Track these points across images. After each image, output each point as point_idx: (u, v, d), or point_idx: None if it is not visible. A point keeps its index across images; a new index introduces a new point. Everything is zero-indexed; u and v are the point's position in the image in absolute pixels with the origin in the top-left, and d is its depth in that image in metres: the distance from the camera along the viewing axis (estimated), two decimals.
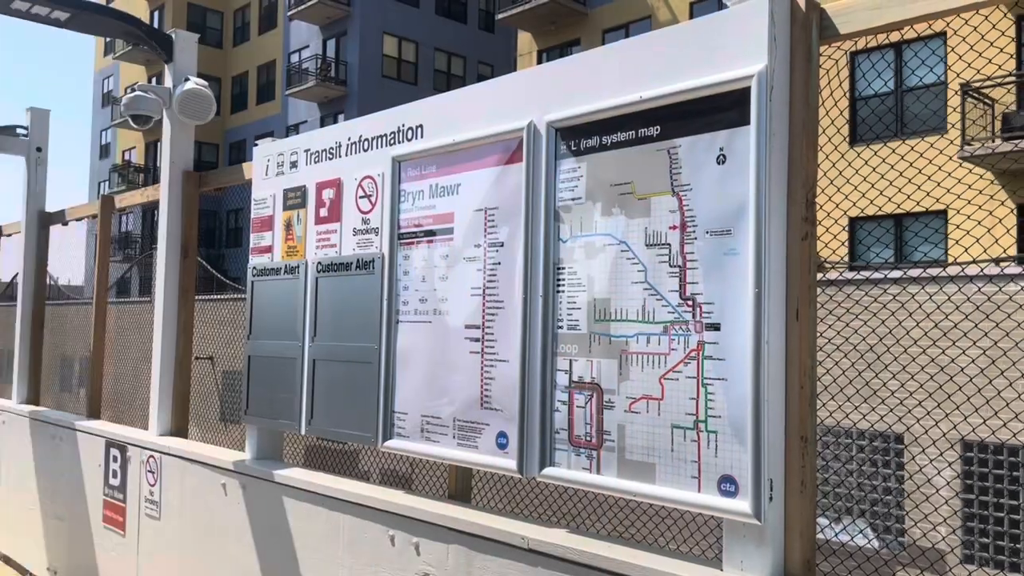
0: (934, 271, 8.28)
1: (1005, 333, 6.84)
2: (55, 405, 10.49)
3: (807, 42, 2.23)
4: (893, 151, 7.78)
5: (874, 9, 2.19)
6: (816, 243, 2.23)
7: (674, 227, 2.32)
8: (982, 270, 7.91)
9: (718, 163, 2.24)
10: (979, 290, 7.29)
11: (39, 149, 6.69)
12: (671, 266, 2.32)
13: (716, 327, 2.21)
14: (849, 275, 9.00)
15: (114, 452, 4.94)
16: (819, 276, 2.28)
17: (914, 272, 8.59)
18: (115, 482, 4.90)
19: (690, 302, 2.27)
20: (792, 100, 2.22)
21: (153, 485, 4.52)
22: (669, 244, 2.33)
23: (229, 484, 3.94)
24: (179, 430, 4.79)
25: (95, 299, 5.93)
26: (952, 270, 8.16)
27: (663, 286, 2.34)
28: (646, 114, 2.41)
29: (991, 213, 11.86)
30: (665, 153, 2.36)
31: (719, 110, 2.25)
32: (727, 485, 2.17)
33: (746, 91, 2.18)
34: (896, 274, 8.68)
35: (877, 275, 8.75)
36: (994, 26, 5.95)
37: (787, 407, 2.17)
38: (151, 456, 4.55)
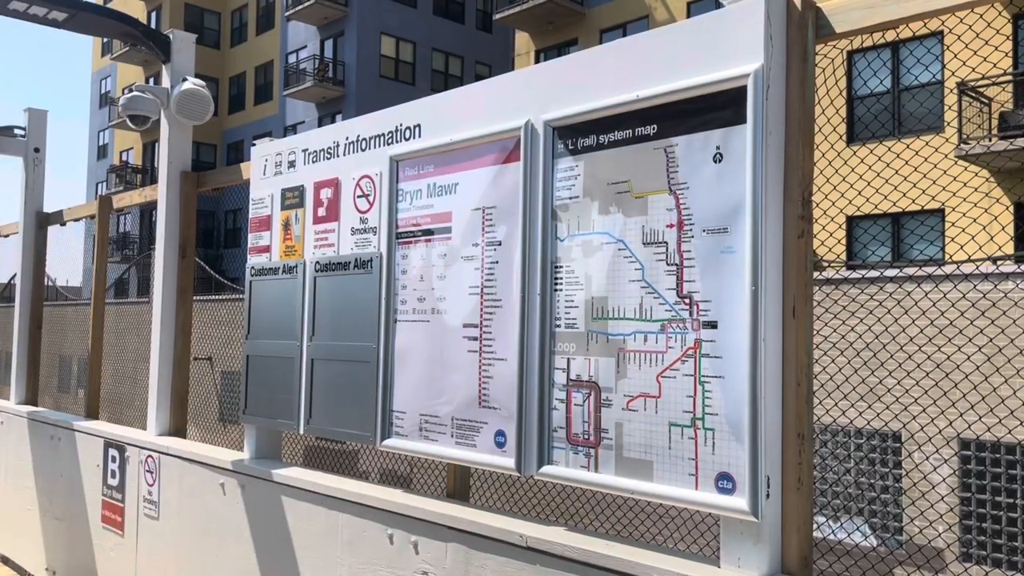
0: (930, 269, 8.30)
1: (1001, 330, 6.86)
2: (53, 406, 10.49)
3: (803, 41, 2.24)
4: (890, 150, 7.80)
5: (869, 8, 2.20)
6: (812, 241, 2.24)
7: (671, 225, 2.33)
8: (977, 267, 7.93)
9: (715, 162, 2.25)
10: (975, 287, 7.31)
11: (37, 150, 6.69)
12: (668, 264, 2.33)
13: (713, 325, 2.22)
14: (845, 273, 9.02)
15: (112, 452, 4.94)
16: (816, 275, 2.29)
17: (910, 270, 8.61)
18: (114, 482, 4.91)
19: (687, 300, 2.28)
20: (788, 99, 2.23)
21: (152, 485, 4.53)
22: (666, 242, 2.34)
23: (228, 484, 3.95)
24: (177, 430, 4.79)
25: (93, 299, 5.93)
26: (949, 269, 8.17)
27: (660, 284, 2.35)
28: (643, 113, 2.42)
29: (986, 210, 11.88)
30: (662, 152, 2.37)
31: (715, 109, 2.26)
32: (724, 482, 2.18)
33: (742, 90, 2.19)
34: (892, 272, 8.70)
35: (873, 273, 8.76)
36: (989, 24, 5.96)
37: (784, 404, 2.18)
38: (149, 456, 4.56)
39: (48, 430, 5.83)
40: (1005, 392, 7.00)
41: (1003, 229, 12.51)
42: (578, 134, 2.59)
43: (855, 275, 8.67)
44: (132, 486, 4.72)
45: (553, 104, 2.67)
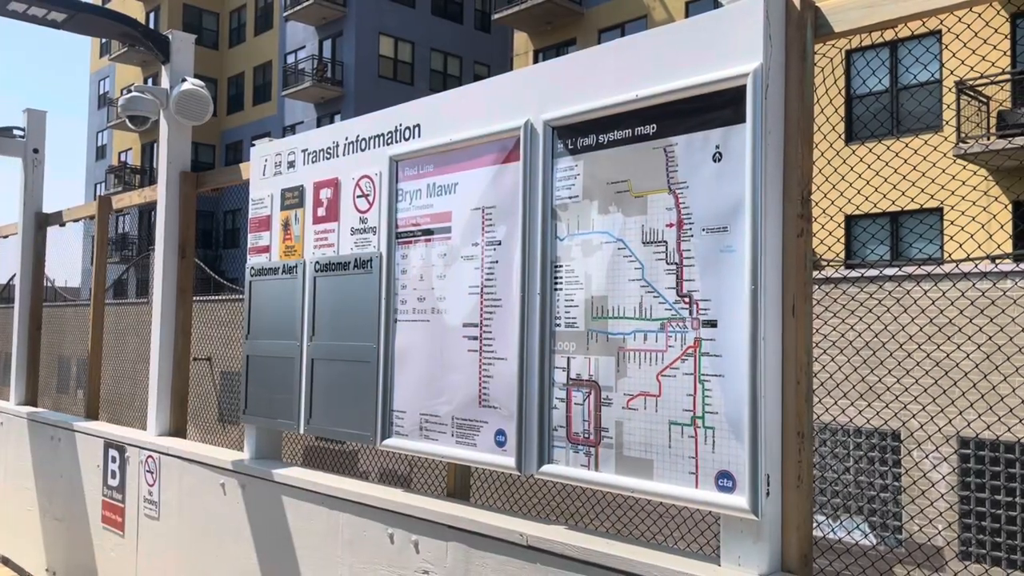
0: (929, 267, 8.31)
1: (1000, 328, 6.87)
2: (53, 406, 10.49)
3: (802, 40, 2.24)
4: (888, 149, 7.80)
5: (867, 7, 2.21)
6: (812, 239, 2.25)
7: (671, 224, 2.34)
8: (976, 265, 7.94)
9: (714, 161, 2.26)
10: (974, 285, 7.32)
11: (36, 150, 6.69)
12: (668, 263, 2.34)
13: (713, 324, 2.23)
14: (843, 272, 9.03)
15: (112, 452, 4.94)
16: (815, 274, 2.30)
17: (909, 269, 8.62)
18: (114, 482, 4.91)
19: (687, 299, 2.29)
20: (787, 98, 2.24)
21: (152, 485, 4.53)
22: (666, 241, 2.35)
23: (228, 484, 3.95)
24: (177, 430, 4.79)
25: (92, 300, 5.93)
26: (948, 267, 8.18)
27: (660, 283, 2.35)
28: (642, 112, 2.43)
29: (985, 209, 11.90)
30: (661, 151, 2.38)
31: (715, 108, 2.26)
32: (724, 481, 2.19)
33: (741, 89, 2.20)
34: (891, 271, 8.70)
35: (872, 272, 8.77)
36: (987, 23, 5.97)
37: (784, 403, 2.19)
38: (150, 456, 4.56)
39: (48, 431, 5.83)
40: (1004, 390, 7.01)
41: (1002, 228, 12.52)
42: (577, 134, 2.60)
43: (854, 274, 8.68)
44: (132, 486, 4.72)
45: (552, 104, 2.67)
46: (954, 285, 7.28)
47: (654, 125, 2.40)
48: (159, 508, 4.46)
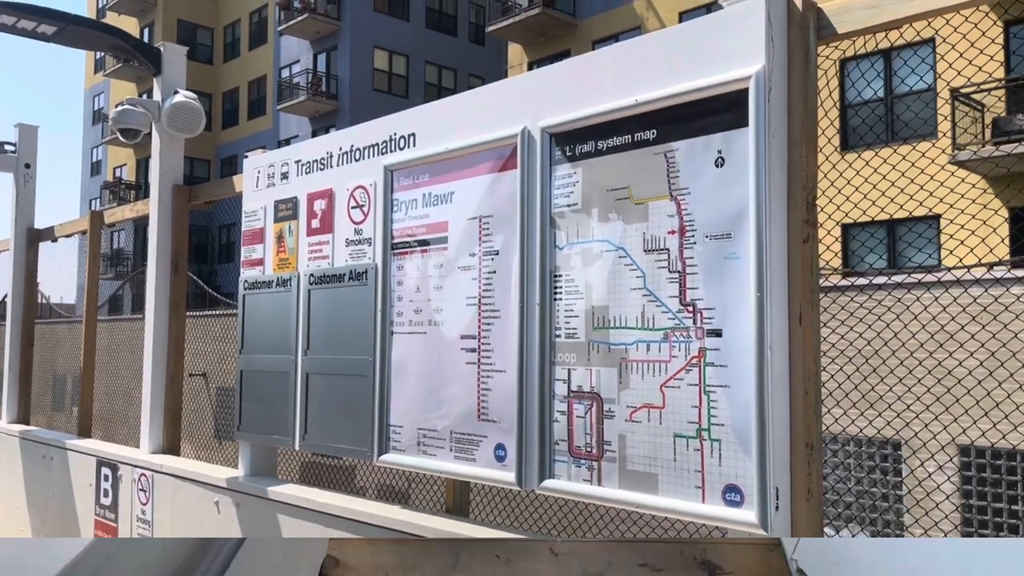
0: (923, 275, 8.26)
1: (993, 335, 6.81)
2: (47, 424, 10.38)
3: (804, 42, 2.20)
4: (877, 153, 7.78)
5: (871, 8, 2.17)
6: (818, 246, 2.19)
7: (673, 232, 2.28)
8: (990, 270, 7.90)
9: (716, 166, 2.20)
10: (986, 291, 7.28)
11: (27, 165, 6.63)
12: (670, 271, 2.28)
13: (717, 333, 2.17)
14: (837, 278, 8.99)
15: (105, 471, 4.86)
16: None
17: (904, 274, 8.57)
18: (106, 501, 4.83)
19: (690, 308, 2.23)
20: (790, 100, 2.19)
21: (145, 504, 4.45)
22: (668, 249, 2.29)
23: (222, 502, 3.87)
24: (171, 448, 4.71)
25: (85, 317, 5.86)
26: (959, 273, 8.13)
27: (662, 292, 2.30)
28: (642, 118, 2.38)
29: (985, 207, 11.89)
30: (662, 157, 2.32)
31: (716, 112, 2.21)
32: (732, 495, 2.12)
33: (743, 92, 2.15)
34: (883, 279, 8.66)
35: (867, 279, 8.72)
36: (983, 29, 5.95)
37: (791, 413, 2.13)
38: (143, 474, 4.48)
39: (40, 449, 5.74)
40: (1002, 396, 6.95)
41: (995, 230, 12.50)
42: (576, 140, 2.55)
43: (847, 283, 8.63)
44: (125, 505, 4.64)
45: (549, 110, 2.62)
46: (966, 290, 7.22)
47: (654, 130, 2.35)
48: (152, 527, 4.38)
